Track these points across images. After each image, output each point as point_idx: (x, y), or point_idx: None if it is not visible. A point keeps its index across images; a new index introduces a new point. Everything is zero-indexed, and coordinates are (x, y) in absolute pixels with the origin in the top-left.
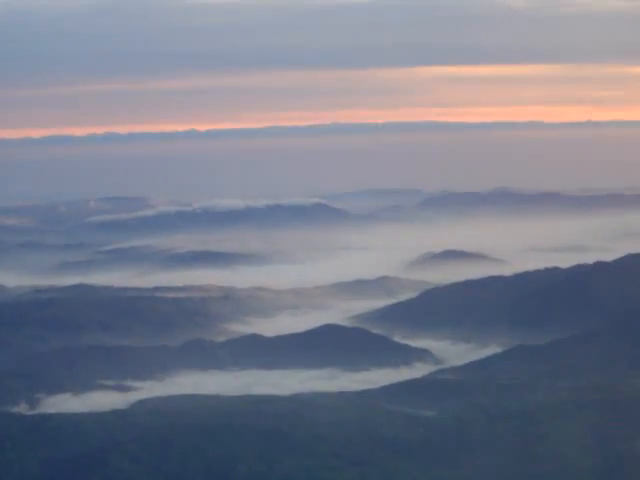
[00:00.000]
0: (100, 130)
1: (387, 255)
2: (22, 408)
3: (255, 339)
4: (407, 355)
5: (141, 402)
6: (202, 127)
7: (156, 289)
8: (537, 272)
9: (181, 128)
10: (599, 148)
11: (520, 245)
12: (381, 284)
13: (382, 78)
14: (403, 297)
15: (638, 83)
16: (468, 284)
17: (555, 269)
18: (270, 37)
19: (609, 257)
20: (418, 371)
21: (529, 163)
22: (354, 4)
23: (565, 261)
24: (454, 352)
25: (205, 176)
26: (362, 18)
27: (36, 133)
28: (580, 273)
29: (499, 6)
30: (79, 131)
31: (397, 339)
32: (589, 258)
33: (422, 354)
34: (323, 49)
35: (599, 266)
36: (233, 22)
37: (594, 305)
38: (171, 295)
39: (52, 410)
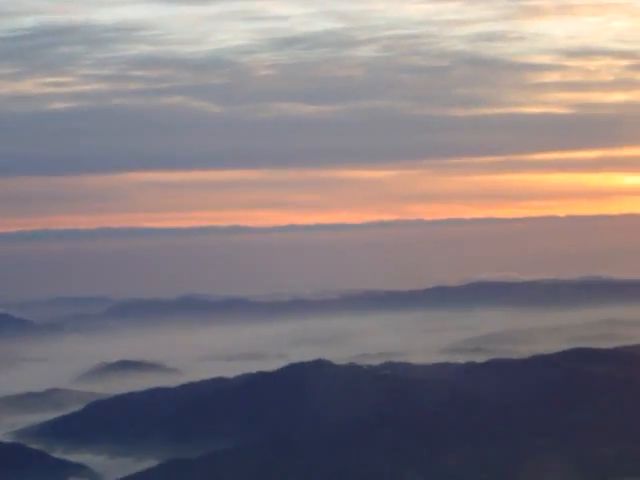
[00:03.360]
0: None
1: (63, 366)
2: None
3: None
4: (64, 471)
5: None
6: None
7: None
8: (202, 382)
9: None
10: (295, 252)
11: (198, 354)
12: (50, 396)
13: (91, 184)
14: (69, 410)
15: (334, 186)
16: (132, 396)
17: (220, 379)
18: None
19: (282, 364)
20: None
21: (222, 268)
22: (51, 111)
23: (239, 369)
24: (112, 466)
25: None
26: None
27: None
28: (244, 383)
29: (197, 111)
30: None
31: (57, 454)
32: (263, 366)
33: (79, 469)
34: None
35: (262, 376)
36: None
37: (253, 416)
38: None
39: None
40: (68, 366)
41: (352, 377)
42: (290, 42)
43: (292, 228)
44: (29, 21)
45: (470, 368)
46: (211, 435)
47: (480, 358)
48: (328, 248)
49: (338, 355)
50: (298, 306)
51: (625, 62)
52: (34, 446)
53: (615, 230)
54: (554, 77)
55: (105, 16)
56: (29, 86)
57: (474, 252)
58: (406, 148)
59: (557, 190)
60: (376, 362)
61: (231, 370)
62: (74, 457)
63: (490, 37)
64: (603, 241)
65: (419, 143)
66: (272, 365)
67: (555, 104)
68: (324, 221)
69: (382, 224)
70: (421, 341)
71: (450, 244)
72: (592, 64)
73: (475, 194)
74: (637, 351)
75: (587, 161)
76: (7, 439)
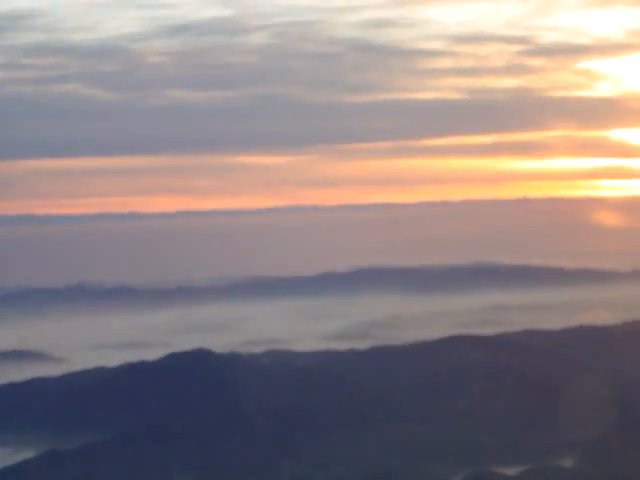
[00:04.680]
0: None
1: None
2: None
3: None
4: None
5: None
6: None
7: None
8: (83, 372)
9: None
10: (188, 238)
11: (85, 343)
12: None
13: None
14: None
15: (229, 173)
16: (12, 387)
17: (101, 369)
18: None
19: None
20: None
21: (114, 256)
22: None
23: (122, 359)
24: None
25: None
26: None
27: None
28: (124, 372)
29: (89, 98)
30: None
31: None
32: (146, 355)
33: None
34: None
35: (142, 365)
36: None
37: (132, 406)
38: None
39: None
40: None
41: (232, 366)
42: (181, 29)
43: (187, 214)
44: None
45: (352, 355)
46: (89, 425)
47: (365, 345)
48: (221, 234)
49: (223, 343)
50: (186, 293)
51: (516, 47)
52: None
53: (508, 214)
54: (446, 63)
55: None
56: None
57: (367, 238)
58: (300, 134)
59: (451, 175)
60: (259, 350)
61: (114, 359)
62: None
63: (380, 24)
64: (495, 226)
65: (313, 129)
66: (155, 354)
67: (447, 89)
68: (220, 207)
69: (277, 210)
70: (307, 328)
71: (343, 230)
72: (483, 49)
73: (369, 179)
74: (518, 337)
75: (480, 146)
76: None
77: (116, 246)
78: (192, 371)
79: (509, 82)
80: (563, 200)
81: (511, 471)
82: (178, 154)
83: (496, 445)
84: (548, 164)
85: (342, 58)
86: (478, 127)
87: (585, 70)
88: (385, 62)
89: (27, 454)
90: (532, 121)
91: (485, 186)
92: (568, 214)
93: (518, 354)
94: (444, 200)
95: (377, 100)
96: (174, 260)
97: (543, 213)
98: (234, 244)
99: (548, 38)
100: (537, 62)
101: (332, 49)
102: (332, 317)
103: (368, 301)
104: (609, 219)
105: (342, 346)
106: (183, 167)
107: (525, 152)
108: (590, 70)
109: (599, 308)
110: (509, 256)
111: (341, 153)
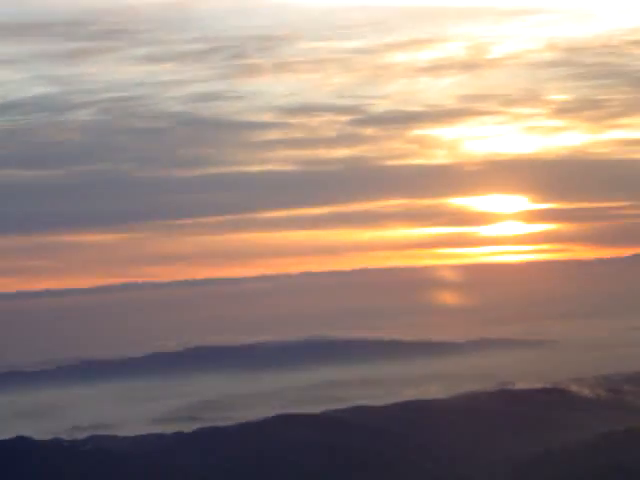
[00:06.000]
0: None
1: None
2: None
3: None
4: None
5: None
6: None
7: None
8: None
9: None
10: (19, 321)
11: None
12: None
13: None
14: None
15: (61, 252)
16: None
17: None
18: None
19: None
20: None
21: None
22: None
23: None
24: None
25: None
26: None
27: None
28: None
29: None
30: None
31: None
32: None
33: None
34: None
35: None
36: None
37: None
38: None
39: None
40: None
41: (53, 453)
42: (5, 108)
43: (15, 296)
44: None
45: (177, 438)
46: None
47: (191, 427)
48: (52, 315)
49: (46, 429)
50: (13, 378)
51: (347, 117)
52: None
53: (346, 286)
54: (276, 135)
55: None
56: None
57: (200, 314)
58: (131, 211)
59: (287, 248)
60: (83, 435)
61: None
62: None
63: (208, 97)
64: (333, 298)
65: (144, 205)
66: None
67: (280, 161)
68: (50, 287)
69: (109, 288)
70: (134, 411)
71: (177, 307)
72: (314, 120)
73: (203, 254)
74: (345, 414)
75: (316, 218)
76: None
77: None
78: (11, 460)
79: (342, 152)
80: (402, 270)
81: None
82: (5, 234)
83: None
84: (386, 234)
85: (171, 133)
86: (313, 199)
87: (418, 138)
88: (215, 135)
89: None
90: (367, 191)
91: (322, 258)
92: (407, 284)
93: (344, 432)
94: (281, 273)
95: (209, 174)
96: (1, 344)
97: (382, 284)
98: (65, 325)
99: (379, 107)
100: (369, 131)
101: (160, 124)
102: (161, 399)
103: (199, 381)
104: (448, 288)
105: (168, 429)
106: (11, 248)
107: (362, 223)
108: (423, 138)
109: (431, 381)
110: (345, 330)
111: (174, 229)
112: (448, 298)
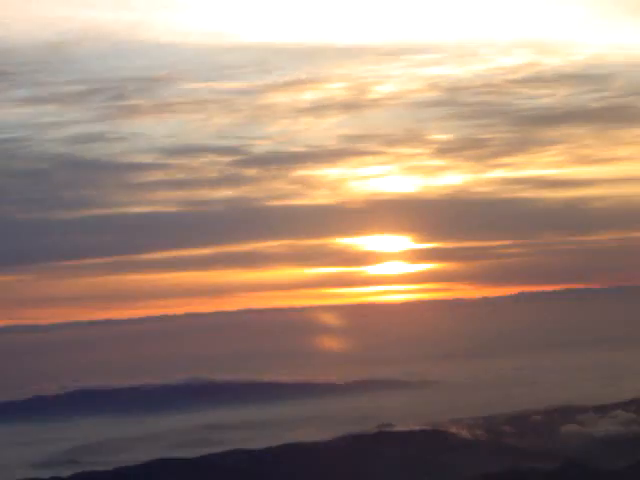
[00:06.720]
0: None
1: None
2: None
3: None
4: None
5: None
6: None
7: None
8: None
9: None
10: None
11: None
12: None
13: None
14: None
15: None
16: None
17: None
18: None
19: None
20: None
21: None
22: None
23: None
24: None
25: None
26: None
27: None
28: None
29: None
30: None
31: None
32: None
33: None
34: None
35: None
36: None
37: None
38: None
39: None
40: None
41: None
42: None
43: None
44: None
45: None
46: None
47: (69, 472)
48: None
49: None
50: None
51: (229, 158)
52: None
53: (230, 328)
54: (158, 176)
55: None
56: None
57: (82, 357)
58: (12, 253)
59: (171, 289)
60: None
61: None
62: None
63: (89, 138)
64: (216, 340)
65: (26, 248)
66: None
67: (161, 203)
68: None
69: None
70: (12, 457)
71: (59, 349)
72: (195, 161)
73: (91, 296)
74: (221, 458)
75: (199, 259)
76: None
77: None
78: None
79: (224, 193)
80: (287, 310)
81: None
82: None
83: None
84: (271, 274)
85: (52, 174)
86: (196, 240)
87: (301, 178)
88: (96, 177)
89: None
90: (251, 232)
91: (207, 299)
92: (292, 325)
93: (221, 476)
94: (165, 314)
95: (90, 215)
96: None
97: (266, 325)
98: None
99: (261, 147)
100: (251, 172)
101: (41, 165)
102: (41, 443)
103: (79, 425)
104: (332, 329)
105: (46, 474)
106: None
107: (246, 263)
108: (306, 178)
109: (311, 423)
110: (228, 372)
111: (57, 271)
112: (332, 339)
